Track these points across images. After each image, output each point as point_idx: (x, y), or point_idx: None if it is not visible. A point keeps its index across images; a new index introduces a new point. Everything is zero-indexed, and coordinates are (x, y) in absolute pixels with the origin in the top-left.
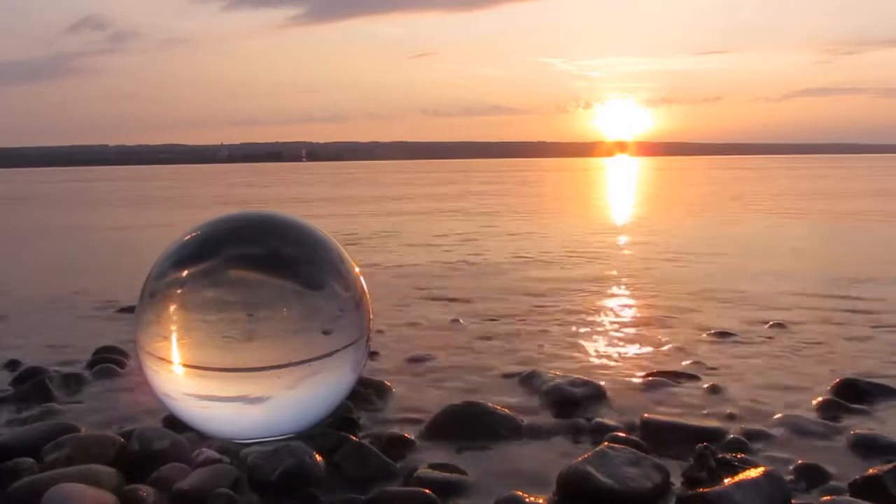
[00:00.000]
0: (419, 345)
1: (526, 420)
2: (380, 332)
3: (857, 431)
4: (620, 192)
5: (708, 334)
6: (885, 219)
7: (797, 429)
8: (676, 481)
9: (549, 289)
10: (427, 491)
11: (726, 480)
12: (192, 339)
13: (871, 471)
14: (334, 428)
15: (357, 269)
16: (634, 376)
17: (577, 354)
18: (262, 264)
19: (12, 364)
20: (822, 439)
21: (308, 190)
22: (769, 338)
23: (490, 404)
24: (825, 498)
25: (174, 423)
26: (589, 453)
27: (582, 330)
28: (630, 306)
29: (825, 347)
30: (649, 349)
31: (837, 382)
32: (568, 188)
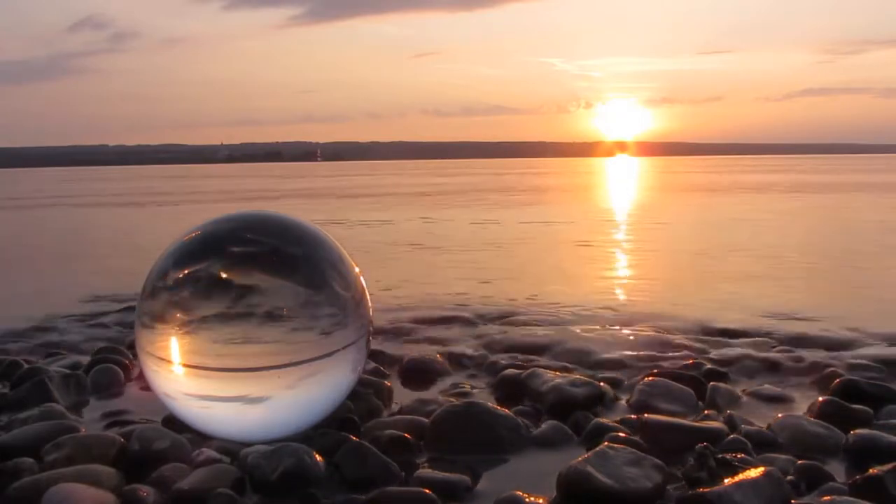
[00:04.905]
0: (420, 345)
1: (526, 420)
2: (380, 332)
3: (857, 432)
4: (622, 191)
5: (708, 334)
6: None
7: (797, 429)
8: (676, 481)
9: (548, 288)
10: (427, 491)
11: (726, 480)
12: (192, 339)
13: (871, 471)
14: (334, 428)
15: (357, 269)
16: (634, 376)
17: (577, 354)
18: (262, 264)
19: (12, 364)
20: (822, 439)
21: None
22: (769, 337)
23: (490, 404)
24: (825, 498)
25: (174, 423)
26: (589, 453)
27: (582, 330)
28: (630, 306)
29: (825, 346)
30: (649, 349)
31: (838, 383)
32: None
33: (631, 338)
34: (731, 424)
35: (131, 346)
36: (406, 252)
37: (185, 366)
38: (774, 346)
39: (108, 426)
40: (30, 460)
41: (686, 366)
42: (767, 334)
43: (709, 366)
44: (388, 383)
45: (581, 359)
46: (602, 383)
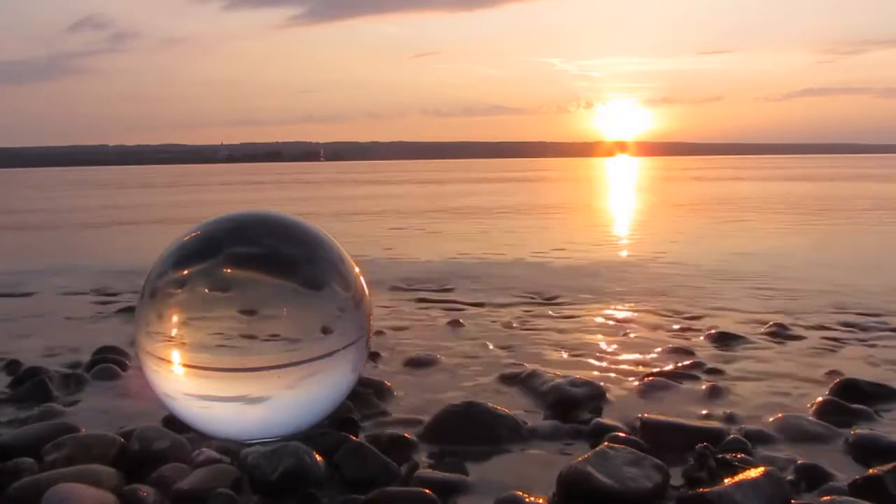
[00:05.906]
0: (419, 345)
1: (526, 420)
2: (380, 332)
3: (858, 432)
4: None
5: (708, 334)
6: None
7: (797, 429)
8: (676, 481)
9: (547, 289)
10: (427, 491)
11: (726, 480)
12: (192, 339)
13: (871, 471)
14: (334, 428)
15: (357, 269)
16: (634, 376)
17: (576, 354)
18: (262, 264)
19: (12, 364)
20: (822, 439)
21: None
22: (769, 338)
23: (490, 404)
24: (825, 498)
25: (174, 423)
26: (589, 453)
27: (581, 330)
28: (629, 307)
29: (826, 347)
30: (649, 349)
31: (838, 383)
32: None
33: (632, 338)
34: (731, 424)
35: (131, 346)
36: None
37: (185, 366)
38: None
39: (108, 426)
40: (30, 460)
41: (686, 366)
42: (770, 336)
43: (709, 366)
44: (388, 383)
45: (582, 360)
46: (602, 383)
